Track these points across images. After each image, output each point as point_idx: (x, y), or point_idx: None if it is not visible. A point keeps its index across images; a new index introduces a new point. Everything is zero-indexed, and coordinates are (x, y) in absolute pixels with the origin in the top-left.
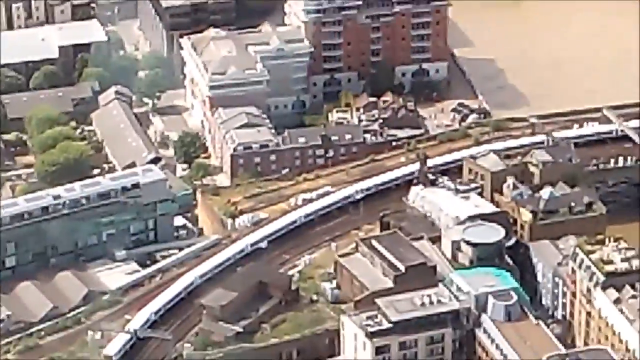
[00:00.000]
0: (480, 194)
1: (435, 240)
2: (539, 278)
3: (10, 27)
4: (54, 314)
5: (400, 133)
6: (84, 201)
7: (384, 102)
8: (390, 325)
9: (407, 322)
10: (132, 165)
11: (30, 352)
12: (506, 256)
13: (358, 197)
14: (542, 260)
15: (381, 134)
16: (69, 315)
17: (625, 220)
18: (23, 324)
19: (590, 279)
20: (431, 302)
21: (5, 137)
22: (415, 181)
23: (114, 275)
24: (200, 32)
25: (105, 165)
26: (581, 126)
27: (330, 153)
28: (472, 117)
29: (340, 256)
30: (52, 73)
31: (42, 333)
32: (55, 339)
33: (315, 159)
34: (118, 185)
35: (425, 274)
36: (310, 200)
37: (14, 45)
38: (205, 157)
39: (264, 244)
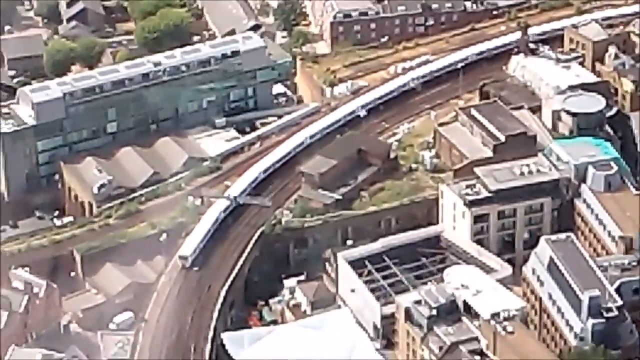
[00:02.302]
0: (582, 64)
1: (535, 109)
2: None
3: None
4: (155, 179)
5: (501, 1)
6: (184, 68)
7: None
8: (490, 194)
9: (506, 191)
10: (232, 32)
11: (131, 217)
12: (607, 126)
13: (458, 65)
14: None
15: (482, 2)
16: (169, 181)
17: None
18: (124, 189)
19: None
20: (530, 172)
21: (106, 3)
22: (515, 50)
23: (214, 142)
24: None
25: (205, 33)
26: None
27: (430, 21)
28: None
29: (439, 125)
30: None
31: (143, 198)
32: (156, 205)
33: (415, 27)
34: (218, 52)
35: (525, 143)
36: (410, 69)
37: None
38: (305, 25)
39: (363, 112)
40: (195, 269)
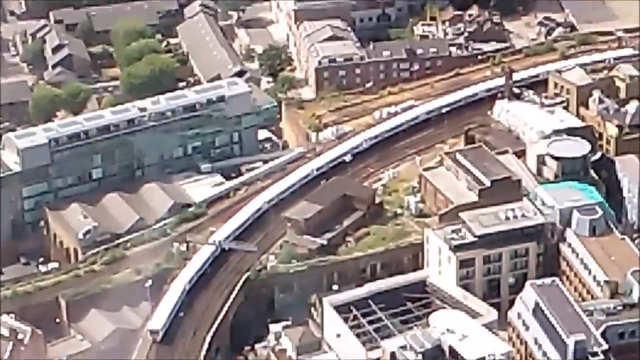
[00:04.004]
0: (566, 108)
1: (520, 154)
2: (625, 193)
3: None
4: (140, 225)
5: (486, 46)
6: (169, 114)
7: (470, 15)
8: (475, 239)
9: (491, 236)
10: (218, 78)
11: (116, 263)
12: (591, 170)
13: (443, 110)
14: (627, 174)
15: (466, 48)
16: (154, 226)
17: None
18: (109, 235)
19: None
20: (515, 216)
21: (92, 49)
22: (500, 95)
23: (199, 188)
24: None
25: (191, 78)
26: None
27: (415, 66)
28: (558, 31)
29: (424, 170)
30: None
31: (128, 244)
32: (141, 250)
33: (400, 72)
34: (203, 98)
35: (510, 188)
36: (395, 114)
37: None
38: (290, 70)
39: (348, 157)
40: (181, 314)
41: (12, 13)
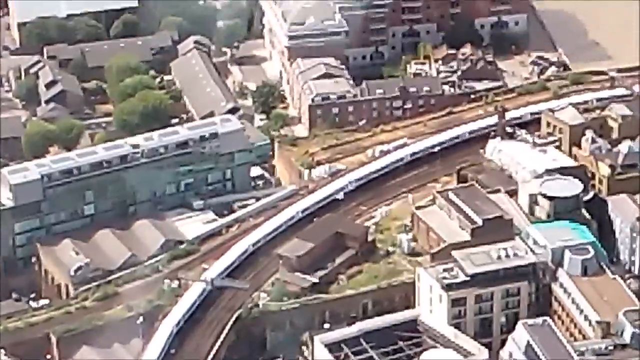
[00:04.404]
0: (558, 148)
1: (512, 193)
2: (617, 233)
3: None
4: (132, 262)
5: (479, 85)
6: (162, 150)
7: (463, 54)
8: (467, 278)
9: (483, 275)
10: (211, 114)
11: (108, 299)
12: (584, 210)
13: (436, 149)
14: (619, 214)
15: (459, 86)
16: (146, 263)
17: None
18: (101, 271)
19: None
20: (507, 256)
21: (85, 85)
22: (493, 134)
23: (192, 225)
24: None
25: (184, 115)
26: None
27: (408, 105)
28: (551, 70)
29: (417, 208)
30: (132, 22)
31: (120, 281)
32: (133, 287)
33: (393, 110)
34: (196, 134)
35: (502, 227)
36: (388, 152)
37: None
38: (283, 108)
39: (340, 195)
40: (172, 351)
41: (5, 48)
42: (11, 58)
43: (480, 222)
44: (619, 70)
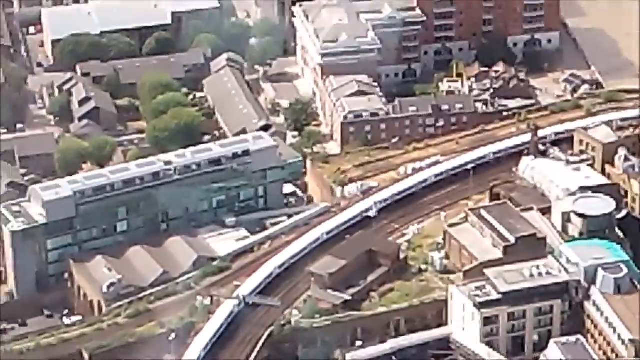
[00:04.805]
0: (592, 166)
1: (545, 211)
2: None
3: None
4: (164, 279)
5: (511, 103)
6: (194, 167)
7: (496, 72)
8: (499, 296)
9: (516, 293)
10: (243, 132)
11: (140, 316)
12: (617, 229)
13: (469, 167)
14: None
15: (492, 104)
16: (178, 280)
17: None
18: (133, 288)
19: None
20: (540, 274)
21: (118, 102)
22: (525, 152)
23: (224, 242)
24: None
25: (216, 132)
26: None
27: (441, 122)
28: (584, 88)
29: (449, 226)
30: (165, 39)
31: (152, 298)
32: (165, 304)
33: (426, 128)
34: (229, 151)
35: (535, 245)
36: (420, 170)
37: (128, 11)
38: (315, 125)
39: (373, 213)
40: None
41: (39, 65)
42: (45, 75)
43: (513, 240)
44: None
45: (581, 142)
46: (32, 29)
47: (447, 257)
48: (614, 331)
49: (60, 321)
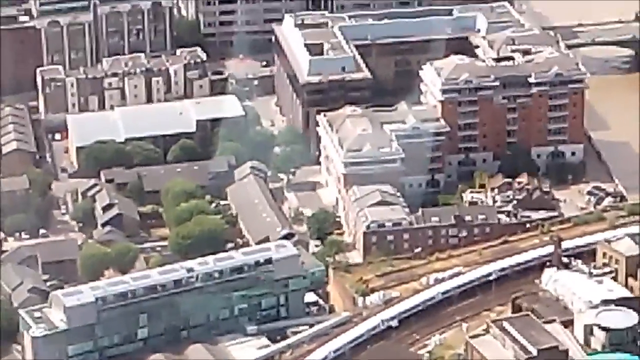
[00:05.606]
0: (614, 279)
1: (568, 324)
2: None
3: (149, 100)
4: None
5: (535, 215)
6: (217, 275)
7: (519, 183)
8: None
9: None
10: (266, 240)
11: None
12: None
13: (491, 278)
14: None
15: (515, 215)
16: None
17: None
18: None
19: None
20: None
21: (142, 209)
22: (548, 264)
23: (245, 350)
24: (337, 109)
25: (239, 240)
26: None
27: (464, 233)
28: (607, 201)
29: (471, 337)
30: (189, 147)
31: None
32: None
33: (448, 238)
34: (251, 260)
35: (557, 357)
36: (442, 280)
37: (153, 119)
38: (338, 234)
39: (394, 323)
40: None
41: (63, 171)
42: (69, 181)
43: (535, 353)
44: None
45: (604, 254)
46: (57, 135)
47: None
48: None
49: None
